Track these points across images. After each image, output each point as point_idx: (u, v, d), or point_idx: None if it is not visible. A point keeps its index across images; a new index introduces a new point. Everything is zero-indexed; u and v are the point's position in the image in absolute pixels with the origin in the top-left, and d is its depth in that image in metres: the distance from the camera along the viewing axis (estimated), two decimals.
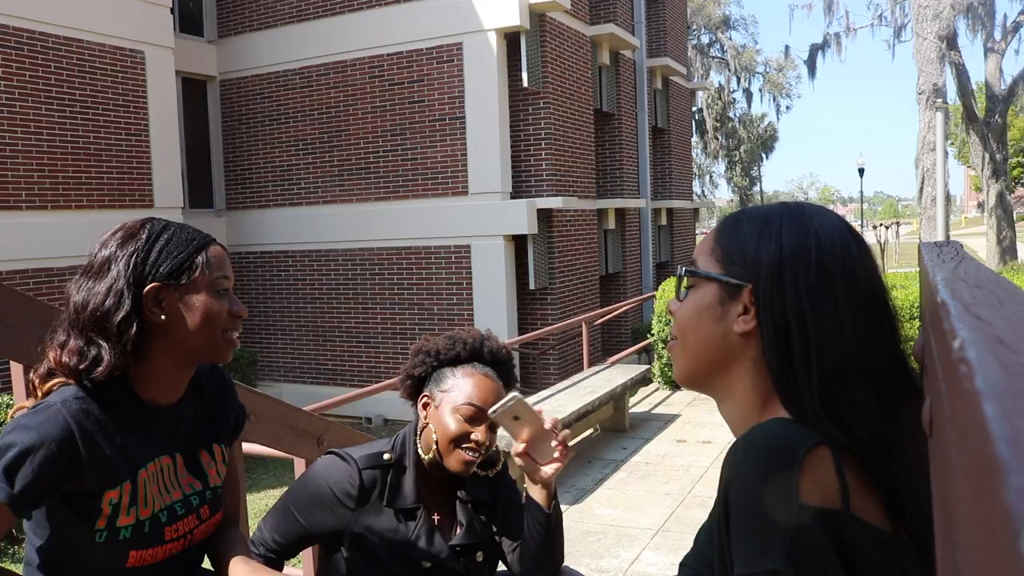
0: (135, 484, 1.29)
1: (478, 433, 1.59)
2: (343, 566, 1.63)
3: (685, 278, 0.95)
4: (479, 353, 1.67)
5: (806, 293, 0.84)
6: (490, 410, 1.53)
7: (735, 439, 0.86)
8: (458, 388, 1.61)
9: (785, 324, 0.84)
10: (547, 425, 1.55)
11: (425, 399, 1.66)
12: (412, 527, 1.61)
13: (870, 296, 0.85)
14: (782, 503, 0.74)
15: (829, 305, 0.83)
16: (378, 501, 1.61)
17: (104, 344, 1.23)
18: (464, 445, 1.59)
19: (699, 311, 0.92)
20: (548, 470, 1.56)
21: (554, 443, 1.56)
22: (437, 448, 1.61)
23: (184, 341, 1.28)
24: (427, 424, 1.64)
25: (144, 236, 1.28)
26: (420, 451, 1.66)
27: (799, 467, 0.75)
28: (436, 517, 1.66)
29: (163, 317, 1.27)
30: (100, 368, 1.22)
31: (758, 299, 0.86)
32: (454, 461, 1.59)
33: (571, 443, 1.58)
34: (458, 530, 1.65)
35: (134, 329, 1.24)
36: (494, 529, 1.71)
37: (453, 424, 1.59)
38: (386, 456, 1.64)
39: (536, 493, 1.60)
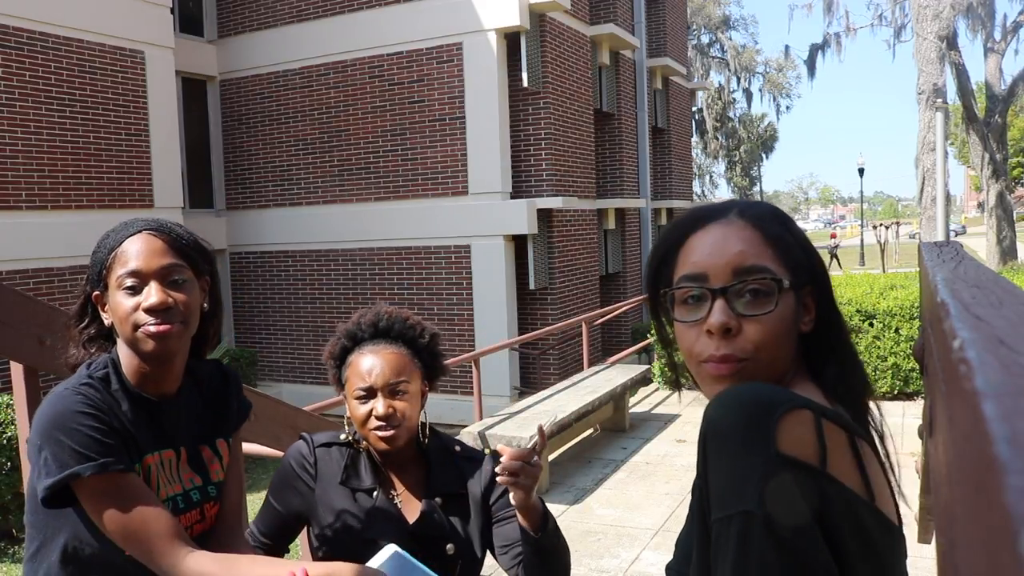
0: (141, 471, 1.31)
1: (377, 407, 1.60)
2: (312, 546, 1.67)
3: (778, 291, 0.87)
4: (358, 335, 1.68)
5: (829, 286, 0.95)
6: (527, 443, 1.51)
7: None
8: (350, 378, 1.64)
9: (835, 314, 0.94)
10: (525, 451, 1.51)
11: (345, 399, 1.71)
12: (368, 505, 1.62)
13: None
14: (760, 450, 0.75)
15: (830, 293, 0.96)
16: (334, 480, 1.64)
17: (72, 341, 1.36)
18: (371, 425, 1.61)
19: (788, 323, 0.88)
20: (512, 496, 1.53)
21: (505, 465, 1.50)
22: (361, 435, 1.65)
23: (121, 338, 1.33)
24: (348, 417, 1.69)
25: (98, 243, 1.34)
26: (361, 440, 1.70)
27: (779, 419, 0.76)
28: (397, 501, 1.67)
29: (108, 320, 1.33)
30: (72, 360, 1.34)
31: (820, 297, 0.93)
32: (374, 441, 1.62)
33: (536, 459, 1.52)
34: (418, 517, 1.65)
35: (84, 324, 1.35)
36: (467, 523, 1.69)
37: (356, 410, 1.62)
38: (342, 437, 1.68)
39: (520, 517, 1.57)
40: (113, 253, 1.29)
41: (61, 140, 7.74)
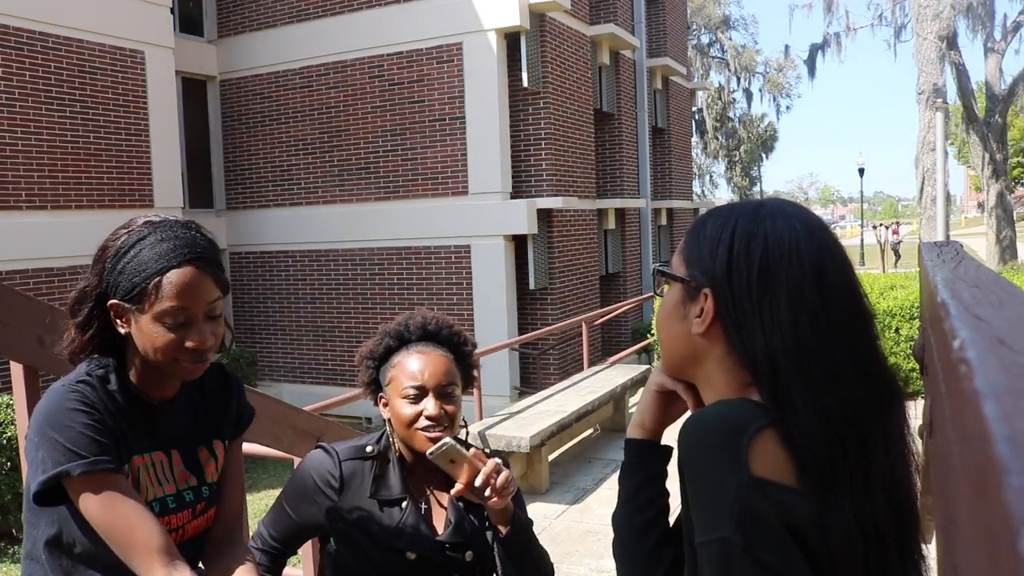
0: (130, 471, 1.31)
1: (428, 407, 1.60)
2: (333, 558, 1.65)
3: (659, 277, 0.99)
4: (405, 336, 1.68)
5: (749, 297, 0.86)
6: (427, 452, 1.52)
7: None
8: (396, 377, 1.64)
9: (739, 326, 0.86)
10: (478, 481, 1.50)
11: (383, 399, 1.69)
12: (397, 518, 1.62)
13: (823, 300, 0.85)
14: (732, 473, 0.77)
15: (771, 309, 0.85)
16: (362, 492, 1.63)
17: (73, 332, 1.31)
18: (420, 425, 1.60)
19: (669, 311, 0.95)
20: (495, 505, 1.55)
21: (487, 493, 1.52)
22: (402, 438, 1.64)
23: (144, 355, 1.30)
24: (389, 419, 1.67)
25: (117, 246, 1.27)
26: (397, 445, 1.68)
27: (751, 439, 0.78)
28: (424, 508, 1.67)
29: (124, 330, 1.29)
30: (70, 349, 1.31)
31: (716, 302, 0.88)
32: (420, 442, 1.61)
33: (507, 480, 1.54)
34: (447, 526, 1.65)
35: (93, 330, 1.30)
36: (486, 528, 1.70)
37: (404, 409, 1.61)
38: (369, 449, 1.67)
39: (494, 518, 1.60)
40: (157, 280, 1.23)
41: (61, 140, 7.74)
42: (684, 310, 0.92)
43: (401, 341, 1.68)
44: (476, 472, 1.51)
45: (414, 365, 1.63)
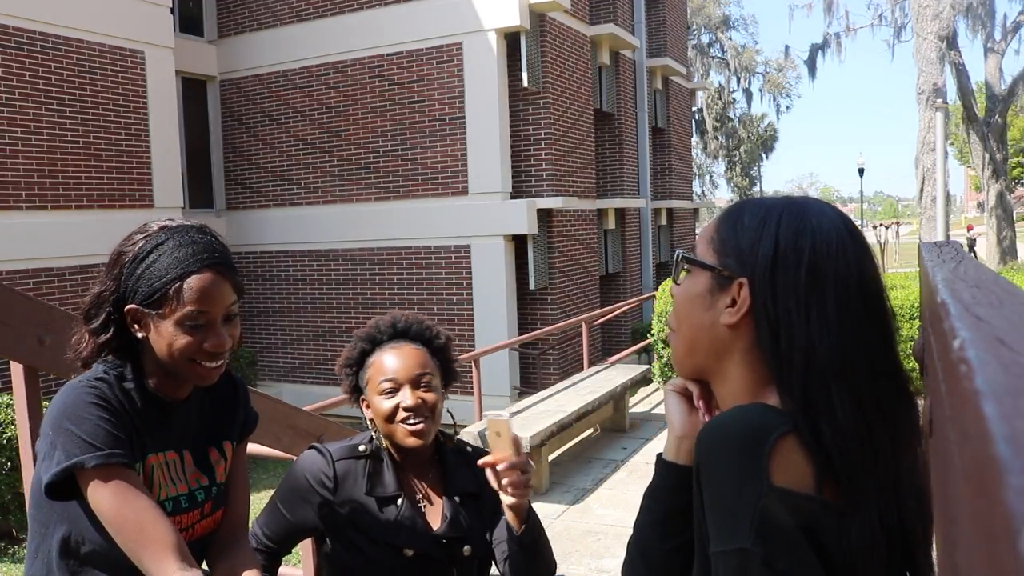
0: (143, 470, 1.32)
1: (405, 398, 1.61)
2: (330, 558, 1.65)
3: (682, 263, 0.96)
4: (377, 338, 1.71)
5: (795, 293, 0.84)
6: (485, 414, 1.54)
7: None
8: (372, 377, 1.66)
9: (776, 321, 0.84)
10: (502, 467, 1.52)
11: (364, 401, 1.70)
12: (393, 514, 1.62)
13: (864, 301, 0.85)
14: (752, 483, 0.75)
15: (818, 307, 0.83)
16: (357, 491, 1.63)
17: (86, 337, 1.32)
18: (400, 418, 1.61)
19: (691, 298, 0.93)
20: (508, 500, 1.55)
21: (508, 480, 1.53)
22: (385, 434, 1.65)
23: (160, 359, 1.31)
24: (372, 419, 1.69)
25: (135, 252, 1.28)
26: (384, 444, 1.69)
27: (771, 448, 0.77)
28: (421, 505, 1.67)
29: (141, 334, 1.30)
30: (84, 354, 1.32)
31: (753, 294, 0.86)
32: (402, 436, 1.61)
33: (527, 480, 1.56)
34: (443, 521, 1.65)
35: (109, 335, 1.30)
36: (482, 522, 1.71)
37: (382, 404, 1.62)
38: (362, 448, 1.68)
39: (508, 514, 1.60)
40: (178, 285, 1.25)
41: (61, 140, 7.74)
42: (711, 299, 0.90)
43: (373, 343, 1.71)
44: (509, 457, 1.52)
45: (387, 361, 1.65)
